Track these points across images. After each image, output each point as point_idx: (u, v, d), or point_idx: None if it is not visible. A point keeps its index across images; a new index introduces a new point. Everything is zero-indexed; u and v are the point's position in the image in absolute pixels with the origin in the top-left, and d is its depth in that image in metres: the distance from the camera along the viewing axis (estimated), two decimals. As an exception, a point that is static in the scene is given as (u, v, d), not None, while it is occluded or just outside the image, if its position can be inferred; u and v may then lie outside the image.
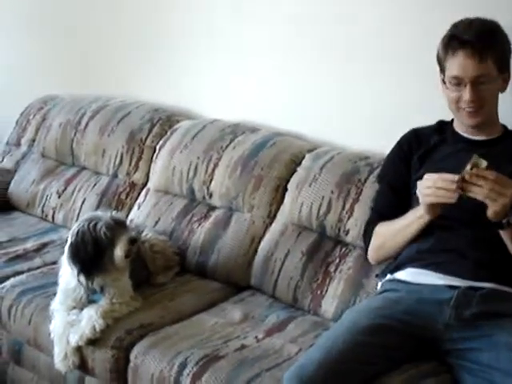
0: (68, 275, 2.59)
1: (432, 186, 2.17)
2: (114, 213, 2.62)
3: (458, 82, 2.29)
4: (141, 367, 2.43)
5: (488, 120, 2.37)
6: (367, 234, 2.51)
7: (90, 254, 2.51)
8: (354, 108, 3.00)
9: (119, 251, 2.53)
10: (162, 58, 3.57)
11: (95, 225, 2.53)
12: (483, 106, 2.31)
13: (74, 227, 2.59)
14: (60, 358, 2.53)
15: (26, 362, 2.80)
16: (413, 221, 2.34)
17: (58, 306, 2.61)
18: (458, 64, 2.27)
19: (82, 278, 2.54)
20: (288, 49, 3.15)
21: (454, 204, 2.17)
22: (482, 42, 2.24)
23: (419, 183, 2.24)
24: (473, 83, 2.26)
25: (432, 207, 2.23)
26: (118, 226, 2.56)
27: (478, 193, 2.11)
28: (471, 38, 2.25)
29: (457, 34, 2.29)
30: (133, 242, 2.56)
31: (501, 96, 2.37)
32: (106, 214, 2.58)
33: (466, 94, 2.28)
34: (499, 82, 2.32)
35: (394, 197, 2.47)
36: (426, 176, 2.21)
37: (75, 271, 2.53)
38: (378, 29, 2.89)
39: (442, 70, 2.35)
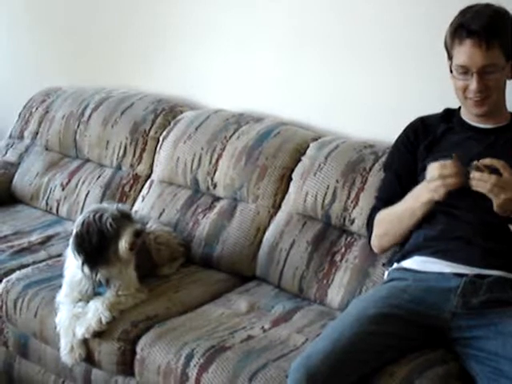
0: (74, 267, 2.59)
1: (438, 178, 2.17)
2: (119, 205, 2.61)
3: (465, 71, 2.27)
4: (147, 359, 2.42)
5: (495, 108, 2.35)
6: (370, 223, 2.50)
7: (95, 246, 2.51)
8: (359, 96, 2.99)
9: (124, 243, 2.52)
10: (165, 49, 3.56)
11: (101, 216, 2.52)
12: (490, 96, 2.29)
13: (80, 218, 2.59)
14: (66, 350, 2.53)
15: (33, 355, 2.80)
16: (418, 207, 2.32)
17: (63, 298, 2.61)
18: (464, 53, 2.25)
19: (86, 269, 2.53)
20: (291, 38, 3.14)
21: (461, 191, 2.17)
22: (489, 31, 2.22)
23: (433, 165, 2.23)
24: (480, 73, 2.24)
25: (448, 191, 2.21)
26: (124, 218, 2.55)
27: (482, 187, 2.12)
28: (478, 27, 2.22)
29: (464, 22, 2.26)
30: (138, 234, 2.55)
31: (509, 83, 2.35)
32: (111, 206, 2.57)
33: (473, 83, 2.26)
34: (507, 69, 2.30)
35: (399, 185, 2.45)
36: (429, 169, 2.21)
37: (79, 262, 2.53)
38: (381, 16, 2.88)
39: (450, 58, 2.33)
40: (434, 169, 2.22)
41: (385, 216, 2.44)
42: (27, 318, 2.71)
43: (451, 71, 2.33)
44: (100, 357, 2.52)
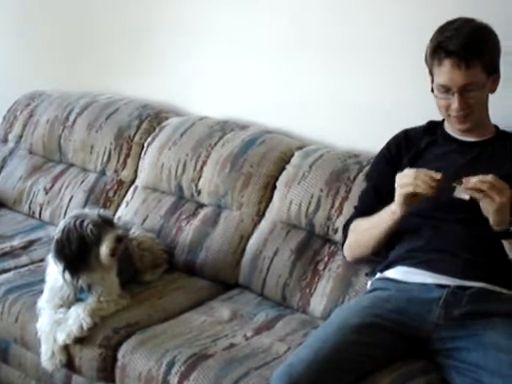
0: (55, 273, 2.58)
1: (412, 178, 2.17)
2: (101, 210, 2.60)
3: (446, 90, 2.28)
4: (128, 366, 2.41)
5: (479, 123, 2.36)
6: (345, 231, 2.52)
7: (76, 252, 2.49)
8: (344, 106, 2.99)
9: (105, 249, 2.51)
10: (151, 55, 3.55)
11: (82, 222, 2.51)
12: (472, 112, 2.30)
13: (61, 224, 2.58)
14: (47, 356, 2.51)
15: (13, 361, 2.78)
16: (385, 217, 2.33)
17: (44, 304, 2.59)
18: (444, 73, 2.26)
19: (67, 276, 2.52)
20: (278, 46, 3.14)
21: (445, 203, 2.19)
22: (468, 50, 2.22)
23: (398, 175, 2.23)
24: (460, 92, 2.25)
25: (406, 200, 2.21)
26: (105, 223, 2.54)
27: (479, 186, 2.10)
28: (457, 48, 2.22)
29: (442, 42, 2.25)
30: (119, 240, 2.54)
31: (492, 96, 2.37)
32: (93, 212, 2.56)
33: (455, 102, 2.27)
34: (488, 85, 2.30)
35: (376, 198, 2.46)
36: (407, 170, 2.21)
37: (60, 268, 2.51)
38: (369, 27, 2.88)
39: (431, 76, 2.34)
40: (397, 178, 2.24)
41: (358, 226, 2.46)
42: (8, 323, 2.69)
43: (432, 90, 2.33)
44: (81, 363, 2.51)
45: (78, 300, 2.57)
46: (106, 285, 2.60)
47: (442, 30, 2.30)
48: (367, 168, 2.68)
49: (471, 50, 2.22)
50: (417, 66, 2.46)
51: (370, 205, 2.46)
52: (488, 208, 2.12)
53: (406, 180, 2.19)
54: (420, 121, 2.52)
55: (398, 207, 2.25)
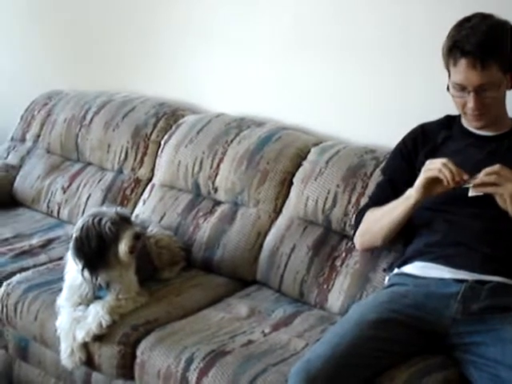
0: (74, 271, 2.59)
1: (442, 165, 2.18)
2: (118, 208, 2.61)
3: (462, 89, 2.26)
4: (147, 363, 2.42)
5: (495, 119, 2.34)
6: (357, 219, 2.52)
7: (94, 250, 2.50)
8: (361, 101, 2.99)
9: (124, 247, 2.52)
10: (167, 53, 3.56)
11: (100, 220, 2.52)
12: (489, 111, 2.29)
13: (79, 222, 2.58)
14: (66, 354, 2.53)
15: (33, 359, 2.80)
16: (399, 204, 2.34)
17: (64, 302, 2.61)
18: (460, 72, 2.24)
19: (86, 274, 2.53)
20: (293, 42, 3.14)
21: (460, 198, 2.19)
22: (484, 50, 2.20)
23: (429, 160, 2.25)
24: (476, 91, 2.23)
25: (426, 183, 2.23)
26: (123, 221, 2.55)
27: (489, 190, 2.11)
28: (472, 47, 2.20)
29: (458, 41, 2.23)
30: (137, 237, 2.54)
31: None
32: (110, 210, 2.57)
33: (470, 101, 2.25)
34: (505, 83, 2.28)
35: (391, 191, 2.45)
36: (441, 158, 2.22)
37: (79, 266, 2.53)
38: (384, 21, 2.88)
39: (448, 72, 2.32)
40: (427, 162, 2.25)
41: (370, 215, 2.46)
42: (27, 321, 2.70)
43: (448, 88, 2.31)
44: (100, 360, 2.52)
45: (96, 298, 2.58)
46: (125, 282, 2.61)
47: (458, 27, 2.27)
48: (384, 163, 2.68)
49: (487, 50, 2.20)
50: (431, 62, 2.46)
51: (384, 196, 2.46)
52: (503, 198, 2.12)
53: (435, 165, 2.21)
54: (435, 116, 2.51)
55: (415, 191, 2.26)
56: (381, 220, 2.41)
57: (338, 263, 2.68)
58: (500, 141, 2.36)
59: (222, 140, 3.04)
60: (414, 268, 2.33)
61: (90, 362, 2.54)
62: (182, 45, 3.50)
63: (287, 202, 2.88)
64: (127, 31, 3.68)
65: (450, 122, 2.46)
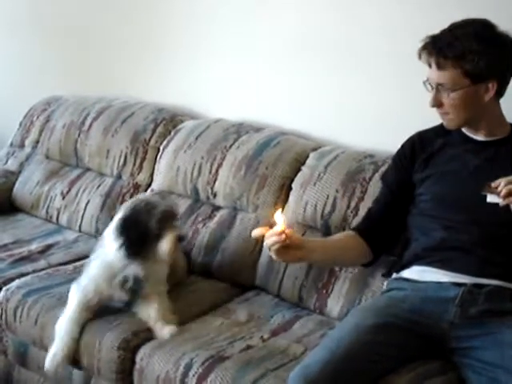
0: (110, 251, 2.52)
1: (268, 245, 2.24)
2: (169, 203, 2.57)
3: (430, 84, 2.29)
4: (146, 369, 2.42)
5: (470, 123, 2.33)
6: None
7: (138, 235, 2.44)
8: (359, 106, 2.99)
9: (165, 246, 2.45)
10: (165, 58, 3.57)
11: (150, 210, 2.46)
12: (448, 114, 2.30)
13: (129, 203, 2.54)
14: None
15: (32, 364, 2.79)
16: None
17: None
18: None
19: (123, 252, 2.46)
20: (292, 48, 3.15)
21: (457, 204, 2.24)
22: (441, 52, 2.21)
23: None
24: (436, 89, 2.27)
25: (280, 255, 2.27)
26: (170, 219, 2.49)
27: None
28: (431, 46, 2.24)
29: (427, 38, 2.27)
30: (180, 239, 2.50)
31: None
32: (162, 203, 2.51)
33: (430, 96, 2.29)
34: (473, 91, 2.24)
35: (391, 199, 2.48)
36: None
37: (118, 245, 2.46)
38: (382, 27, 2.89)
39: None
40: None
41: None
42: (27, 325, 2.70)
43: (424, 83, 2.33)
44: (100, 365, 2.52)
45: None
46: (155, 278, 2.56)
47: (448, 27, 2.29)
48: (383, 168, 2.69)
49: (444, 52, 2.21)
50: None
51: (383, 205, 2.50)
52: None
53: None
54: (433, 121, 2.50)
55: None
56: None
57: (337, 268, 2.68)
58: (498, 146, 2.35)
59: (220, 145, 3.04)
60: (412, 272, 2.34)
61: (89, 366, 2.55)
62: (180, 50, 3.50)
63: (286, 207, 2.88)
64: (125, 37, 3.69)
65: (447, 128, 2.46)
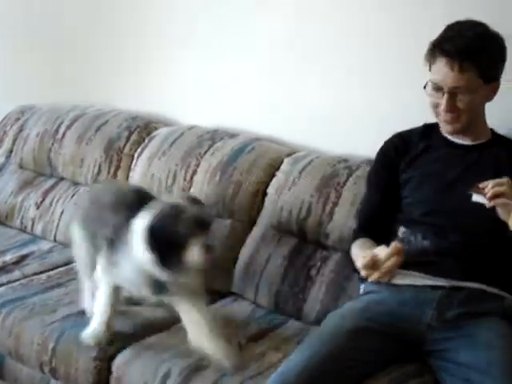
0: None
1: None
2: (200, 209, 2.40)
3: (438, 88, 2.28)
4: (123, 378, 2.41)
5: (469, 126, 2.34)
6: (351, 244, 2.47)
7: (167, 243, 2.30)
8: (333, 112, 2.99)
9: (192, 254, 2.30)
10: (139, 66, 3.55)
11: (178, 215, 2.31)
12: (460, 116, 2.30)
13: (156, 208, 2.35)
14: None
15: (8, 376, 2.76)
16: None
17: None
18: (437, 72, 2.27)
19: (157, 264, 2.32)
20: (266, 55, 3.15)
21: (441, 210, 2.25)
22: (464, 54, 2.21)
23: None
24: (450, 93, 2.25)
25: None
26: (199, 226, 2.33)
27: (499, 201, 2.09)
28: (452, 49, 2.22)
29: (442, 41, 2.26)
30: (207, 249, 2.32)
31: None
32: (192, 208, 2.35)
33: (443, 102, 2.27)
34: (483, 92, 2.29)
35: (384, 204, 2.46)
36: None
37: (149, 255, 2.31)
38: (356, 33, 2.89)
39: (430, 71, 2.34)
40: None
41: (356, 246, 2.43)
42: (2, 337, 2.67)
43: (425, 86, 2.33)
44: (77, 374, 2.50)
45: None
46: (187, 289, 2.44)
47: (447, 29, 2.30)
48: (357, 173, 2.70)
49: (467, 54, 2.21)
50: (402, 74, 2.47)
51: (378, 212, 2.47)
52: (509, 211, 2.10)
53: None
54: (407, 126, 2.52)
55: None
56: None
57: (313, 273, 2.68)
58: (480, 150, 2.37)
59: (195, 152, 3.04)
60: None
61: (67, 376, 2.53)
62: (154, 58, 3.49)
63: (261, 212, 2.89)
64: (99, 45, 3.67)
65: (429, 130, 2.46)
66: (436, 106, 2.31)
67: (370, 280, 2.14)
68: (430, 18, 2.61)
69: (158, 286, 2.41)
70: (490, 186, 2.09)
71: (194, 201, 2.44)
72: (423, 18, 2.68)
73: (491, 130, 2.43)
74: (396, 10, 2.76)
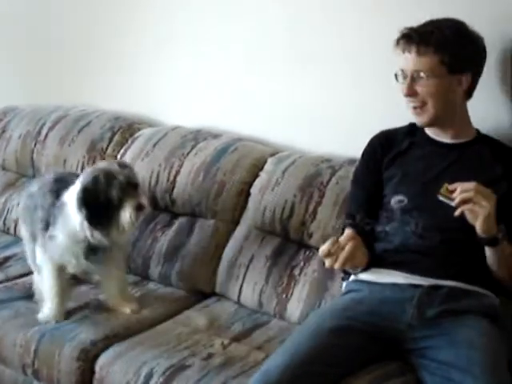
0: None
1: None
2: (129, 171, 2.57)
3: (404, 76, 2.32)
4: (106, 378, 2.41)
5: (442, 120, 2.36)
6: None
7: (100, 205, 2.46)
8: (316, 112, 2.99)
9: (127, 215, 2.47)
10: (123, 67, 3.55)
11: (110, 180, 2.48)
12: (426, 104, 2.31)
13: (88, 173, 2.54)
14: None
15: (-8, 378, 2.76)
16: None
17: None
18: (400, 56, 2.32)
19: (86, 225, 2.49)
20: (248, 55, 3.15)
21: (418, 208, 2.26)
22: (423, 38, 2.26)
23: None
24: (412, 77, 2.29)
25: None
26: (130, 187, 2.51)
27: (465, 196, 2.11)
28: (412, 32, 2.28)
29: (406, 28, 2.31)
30: (140, 208, 2.50)
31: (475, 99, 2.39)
32: (121, 171, 2.52)
33: (404, 87, 2.31)
34: (448, 81, 2.30)
35: (371, 200, 2.46)
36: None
37: (81, 217, 2.48)
38: (337, 30, 2.89)
39: None
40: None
41: None
42: (-16, 340, 2.67)
43: (395, 76, 2.36)
44: (59, 376, 2.50)
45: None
46: (118, 248, 2.65)
47: (425, 21, 2.33)
48: (340, 172, 2.70)
49: (426, 39, 2.26)
50: (385, 75, 2.47)
51: (364, 209, 2.45)
52: (476, 216, 2.11)
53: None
54: (391, 125, 2.53)
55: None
56: None
57: (297, 272, 2.69)
58: (462, 149, 2.38)
59: (178, 152, 3.03)
60: (370, 274, 2.34)
61: (50, 377, 2.53)
62: (137, 58, 3.49)
63: (245, 212, 2.89)
64: (82, 45, 3.67)
65: (414, 129, 2.47)
66: (404, 95, 2.35)
67: (335, 267, 2.16)
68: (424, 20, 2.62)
69: (92, 250, 2.58)
70: (458, 190, 2.11)
71: (123, 165, 2.62)
72: (416, 19, 2.69)
73: (477, 130, 2.44)
74: (389, 11, 2.77)
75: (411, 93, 2.31)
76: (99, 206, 2.47)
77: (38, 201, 2.72)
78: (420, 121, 2.38)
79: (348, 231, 2.26)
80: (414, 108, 2.35)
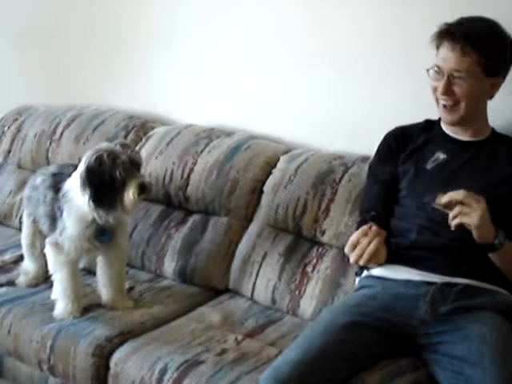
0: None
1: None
2: (132, 152, 2.59)
3: (439, 72, 2.31)
4: (121, 374, 2.43)
5: (468, 120, 2.36)
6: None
7: (104, 185, 2.49)
8: (329, 110, 3.01)
9: (130, 195, 2.49)
10: (136, 65, 3.56)
11: (114, 159, 2.49)
12: (459, 103, 2.32)
13: (91, 153, 2.54)
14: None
15: (7, 374, 2.78)
16: None
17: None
18: (441, 54, 2.31)
19: (92, 204, 2.51)
20: (262, 53, 3.16)
21: (431, 208, 2.24)
22: (468, 39, 2.25)
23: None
24: (449, 76, 2.28)
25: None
26: (134, 167, 2.54)
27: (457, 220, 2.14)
28: (458, 33, 2.26)
29: (448, 26, 2.30)
30: (143, 188, 2.51)
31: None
32: (124, 151, 2.54)
33: (440, 84, 2.30)
34: (482, 84, 2.31)
35: (388, 195, 2.46)
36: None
37: (86, 197, 2.51)
38: (351, 30, 2.90)
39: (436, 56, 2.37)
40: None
41: None
42: (1, 335, 2.69)
43: (428, 70, 2.35)
44: (75, 372, 2.52)
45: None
46: (122, 226, 2.69)
47: (460, 18, 2.33)
48: (352, 169, 2.71)
49: (471, 39, 2.25)
50: (399, 71, 2.48)
51: (383, 203, 2.46)
52: (469, 224, 2.15)
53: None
54: (404, 123, 2.54)
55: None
56: None
57: (310, 269, 2.70)
58: (479, 147, 2.39)
59: (191, 151, 3.05)
60: (383, 270, 2.35)
61: (66, 373, 2.55)
62: (150, 57, 3.50)
63: (258, 210, 2.91)
64: (95, 44, 3.68)
65: (430, 125, 2.49)
66: (435, 90, 2.34)
67: (360, 263, 2.19)
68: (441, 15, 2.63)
69: (100, 231, 2.61)
70: (445, 198, 2.13)
71: (125, 145, 2.63)
72: (416, 19, 2.70)
73: (492, 128, 2.45)
74: (405, 6, 2.77)
75: (448, 92, 2.30)
76: (103, 185, 2.49)
77: (39, 192, 2.75)
78: (449, 119, 2.37)
79: (373, 226, 2.23)
80: (445, 106, 2.34)
